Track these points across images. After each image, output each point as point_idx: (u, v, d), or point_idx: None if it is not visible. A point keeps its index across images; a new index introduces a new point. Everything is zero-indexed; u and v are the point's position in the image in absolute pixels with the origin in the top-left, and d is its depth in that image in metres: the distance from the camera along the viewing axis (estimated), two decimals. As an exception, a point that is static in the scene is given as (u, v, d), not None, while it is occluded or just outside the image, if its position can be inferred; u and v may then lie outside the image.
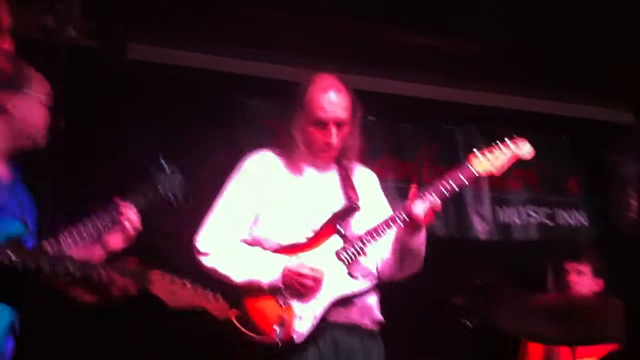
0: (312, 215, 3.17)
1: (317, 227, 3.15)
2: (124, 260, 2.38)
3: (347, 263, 3.08)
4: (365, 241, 3.08)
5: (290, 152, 3.22)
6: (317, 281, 3.01)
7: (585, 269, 4.50)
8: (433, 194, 3.03)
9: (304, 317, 3.00)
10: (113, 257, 2.39)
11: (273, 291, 3.05)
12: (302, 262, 3.05)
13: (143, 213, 2.82)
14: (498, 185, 5.73)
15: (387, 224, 3.08)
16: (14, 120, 2.59)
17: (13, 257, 2.18)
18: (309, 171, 3.26)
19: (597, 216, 5.88)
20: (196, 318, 2.57)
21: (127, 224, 2.73)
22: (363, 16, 4.82)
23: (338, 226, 3.13)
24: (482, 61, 5.31)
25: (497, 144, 3.19)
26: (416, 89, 5.68)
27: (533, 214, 5.79)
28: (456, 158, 5.66)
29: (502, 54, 5.22)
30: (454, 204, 5.55)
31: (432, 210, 3.03)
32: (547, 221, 5.81)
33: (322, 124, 3.14)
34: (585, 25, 4.75)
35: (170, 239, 4.08)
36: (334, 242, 3.12)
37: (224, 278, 3.09)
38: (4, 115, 2.57)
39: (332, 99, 3.15)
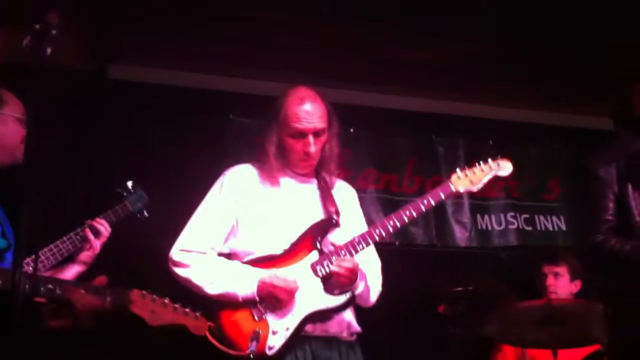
0: (290, 227, 3.16)
1: (295, 239, 3.14)
2: (95, 280, 2.40)
3: (322, 277, 3.07)
4: (341, 256, 3.06)
5: (266, 164, 3.23)
6: (291, 293, 3.00)
7: (563, 270, 4.57)
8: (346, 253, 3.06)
9: (278, 331, 3.00)
10: (83, 278, 2.41)
11: (248, 304, 3.04)
12: (277, 274, 3.03)
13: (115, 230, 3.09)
14: (478, 193, 5.77)
15: (364, 239, 3.09)
16: None
17: None
18: (287, 182, 3.27)
19: (575, 221, 5.95)
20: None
21: (94, 240, 3.06)
22: (348, 32, 4.87)
23: (316, 240, 3.12)
24: (463, 72, 5.38)
25: (478, 163, 3.25)
26: (399, 102, 5.77)
27: (512, 219, 5.84)
28: (437, 170, 5.75)
29: (484, 65, 5.28)
30: (434, 212, 5.59)
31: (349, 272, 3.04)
32: (526, 226, 5.87)
33: (300, 135, 3.15)
34: (563, 31, 4.79)
35: (144, 254, 4.12)
36: (311, 256, 3.11)
37: (198, 289, 3.07)
38: None
39: (308, 109, 3.17)
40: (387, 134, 5.70)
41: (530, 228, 5.86)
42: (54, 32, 2.05)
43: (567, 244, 5.77)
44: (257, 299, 3.02)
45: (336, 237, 3.17)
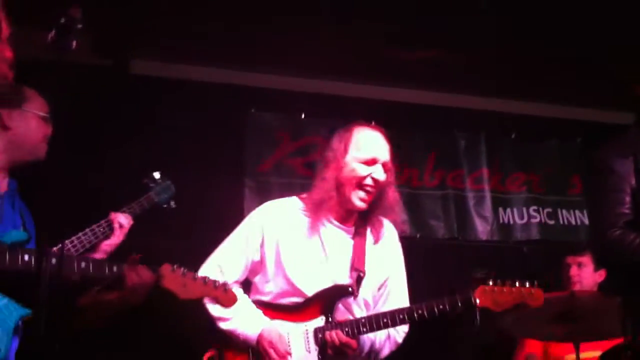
0: (313, 279, 3.13)
1: (309, 294, 3.11)
2: (128, 259, 2.44)
3: (320, 346, 3.06)
4: (344, 332, 3.04)
5: (320, 197, 3.16)
6: (281, 357, 3.01)
7: (586, 260, 4.52)
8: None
9: None
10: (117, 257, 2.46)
11: (247, 348, 3.06)
12: (279, 331, 3.06)
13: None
14: (500, 187, 5.77)
15: (370, 323, 3.04)
16: (13, 136, 2.73)
17: (26, 258, 2.22)
18: (325, 230, 3.19)
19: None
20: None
21: (118, 228, 3.19)
22: (370, 28, 4.87)
23: (326, 306, 3.10)
24: (484, 68, 5.37)
25: (512, 283, 3.13)
26: (419, 96, 5.77)
27: (534, 213, 5.82)
28: (458, 164, 5.73)
29: (505, 61, 5.27)
30: (455, 205, 5.61)
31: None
32: (549, 220, 5.84)
33: (371, 160, 3.13)
34: (584, 26, 4.77)
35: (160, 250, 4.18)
36: (317, 320, 3.10)
37: (212, 319, 3.10)
38: (4, 132, 2.70)
39: (380, 141, 3.19)
40: (408, 129, 5.68)
41: (552, 222, 5.83)
42: (79, 26, 2.07)
43: (590, 239, 5.73)
44: (255, 345, 3.04)
45: (364, 287, 3.16)
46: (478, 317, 3.08)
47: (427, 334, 3.12)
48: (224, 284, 2.60)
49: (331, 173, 3.16)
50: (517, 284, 3.12)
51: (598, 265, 4.51)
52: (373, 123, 3.31)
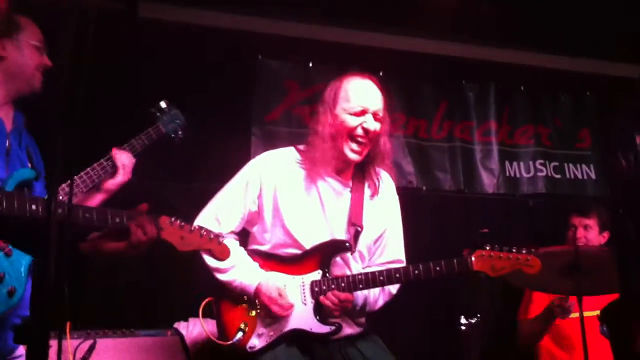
0: (310, 232, 3.15)
1: (306, 247, 3.14)
2: (136, 209, 2.43)
3: (316, 300, 3.10)
4: (340, 288, 3.09)
5: (314, 154, 3.16)
6: (285, 310, 3.06)
7: (592, 222, 4.55)
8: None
9: (263, 334, 3.09)
10: (125, 207, 2.45)
11: (244, 297, 3.12)
12: (278, 285, 3.09)
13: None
14: (507, 140, 5.75)
15: (366, 280, 3.08)
16: (7, 67, 2.73)
17: (33, 207, 2.23)
18: (323, 184, 3.20)
19: (605, 171, 5.90)
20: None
21: (121, 167, 3.15)
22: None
23: (323, 260, 3.13)
24: (496, 19, 5.27)
25: (509, 249, 3.15)
26: (429, 46, 5.67)
27: (541, 167, 5.79)
28: (467, 115, 5.69)
29: (516, 12, 5.18)
30: (462, 158, 5.58)
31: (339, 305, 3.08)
32: (555, 174, 5.81)
33: (360, 112, 3.11)
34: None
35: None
36: (314, 274, 3.13)
37: (209, 269, 3.14)
38: None
39: (370, 90, 3.15)
40: (417, 79, 5.63)
41: (559, 176, 5.80)
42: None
43: (596, 194, 5.73)
44: (254, 297, 3.09)
45: (361, 241, 3.20)
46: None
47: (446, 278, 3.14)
48: (218, 236, 2.62)
49: (323, 127, 3.15)
50: (514, 250, 3.15)
51: (603, 228, 4.55)
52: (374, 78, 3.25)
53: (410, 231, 3.43)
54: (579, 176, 5.87)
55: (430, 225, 5.20)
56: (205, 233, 2.56)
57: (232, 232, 3.22)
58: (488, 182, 5.61)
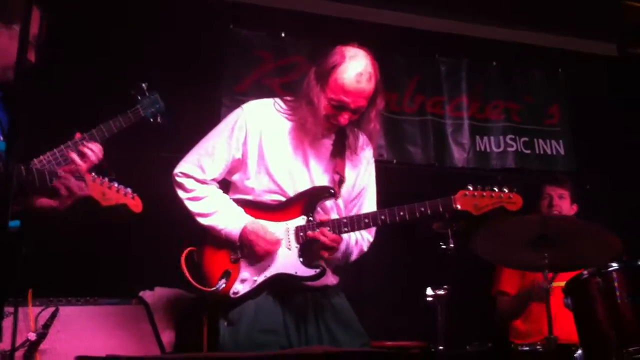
0: (293, 179, 3.20)
1: (290, 197, 3.18)
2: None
3: (302, 244, 3.15)
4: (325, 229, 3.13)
5: (305, 123, 3.19)
6: (270, 250, 3.10)
7: (565, 193, 4.60)
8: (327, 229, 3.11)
9: (247, 279, 3.11)
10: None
11: (229, 244, 3.15)
12: (264, 226, 3.12)
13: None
14: (478, 114, 5.76)
15: (351, 223, 3.14)
16: None
17: None
18: (309, 138, 3.25)
19: (574, 146, 5.95)
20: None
21: (90, 154, 2.97)
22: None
23: (308, 205, 3.18)
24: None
25: (491, 188, 3.25)
26: (402, 19, 5.66)
27: (511, 142, 5.82)
28: (439, 90, 5.69)
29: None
30: (434, 132, 5.59)
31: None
32: (525, 150, 5.85)
33: (340, 107, 3.13)
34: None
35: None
36: (299, 220, 3.18)
37: (191, 214, 3.18)
38: None
39: (360, 87, 3.14)
40: (388, 52, 5.59)
41: (529, 151, 5.85)
42: None
43: (564, 169, 5.78)
44: (238, 242, 3.12)
45: (342, 192, 3.26)
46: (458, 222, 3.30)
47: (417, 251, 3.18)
48: (131, 192, 2.93)
49: (318, 100, 3.15)
50: (495, 189, 3.26)
51: (572, 200, 4.61)
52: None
53: (380, 203, 3.43)
54: (549, 151, 5.92)
55: (399, 198, 5.18)
56: (121, 189, 2.83)
57: (215, 179, 3.25)
58: (458, 156, 5.64)
